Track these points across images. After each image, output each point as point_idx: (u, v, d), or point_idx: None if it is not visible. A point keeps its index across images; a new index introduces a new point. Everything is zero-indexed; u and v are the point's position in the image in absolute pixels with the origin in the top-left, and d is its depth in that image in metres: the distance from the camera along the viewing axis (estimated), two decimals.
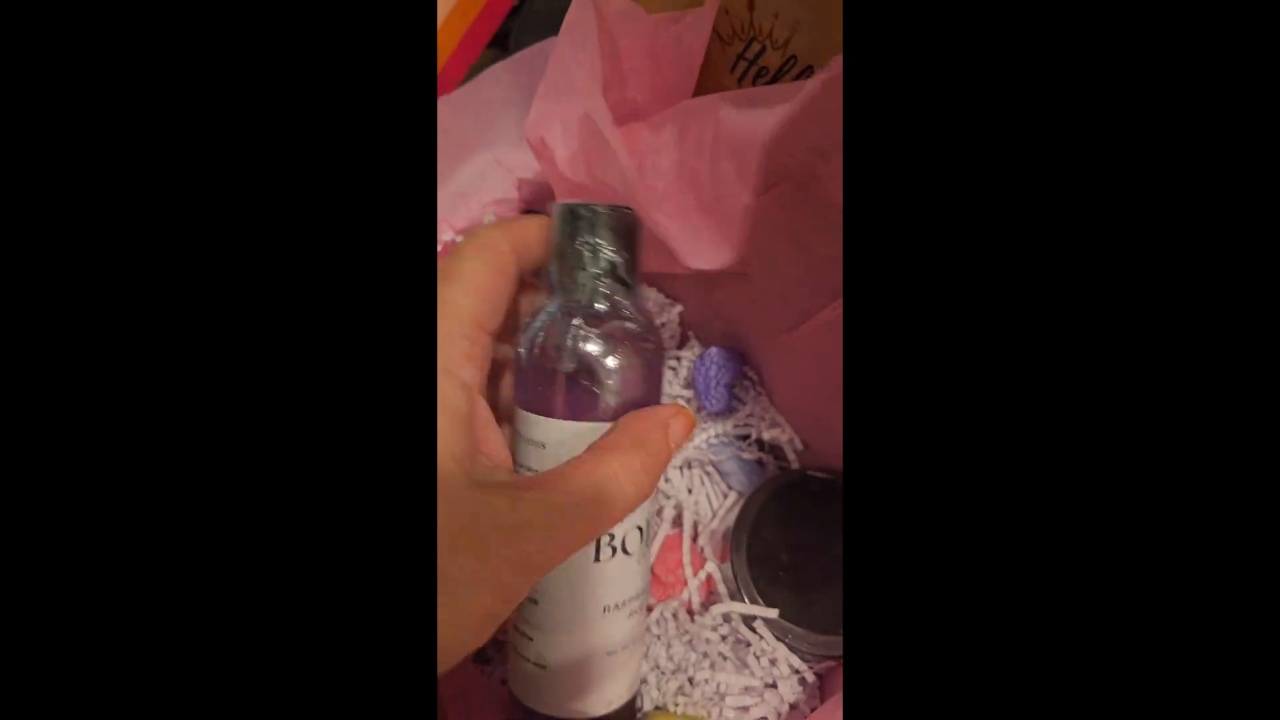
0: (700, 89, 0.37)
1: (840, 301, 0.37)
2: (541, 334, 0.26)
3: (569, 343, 0.26)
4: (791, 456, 0.46)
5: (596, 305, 0.26)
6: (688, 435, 0.25)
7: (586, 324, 0.26)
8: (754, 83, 0.37)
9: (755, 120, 0.25)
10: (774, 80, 0.37)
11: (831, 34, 0.34)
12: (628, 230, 0.26)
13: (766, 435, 0.46)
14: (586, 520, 0.21)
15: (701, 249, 0.22)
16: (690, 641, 0.39)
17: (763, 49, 0.36)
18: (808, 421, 0.46)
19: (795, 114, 0.25)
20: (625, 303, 0.27)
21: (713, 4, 0.32)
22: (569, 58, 0.27)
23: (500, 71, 0.33)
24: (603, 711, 0.30)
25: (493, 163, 0.36)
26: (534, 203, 0.40)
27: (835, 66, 0.25)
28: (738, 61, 0.37)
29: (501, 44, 0.45)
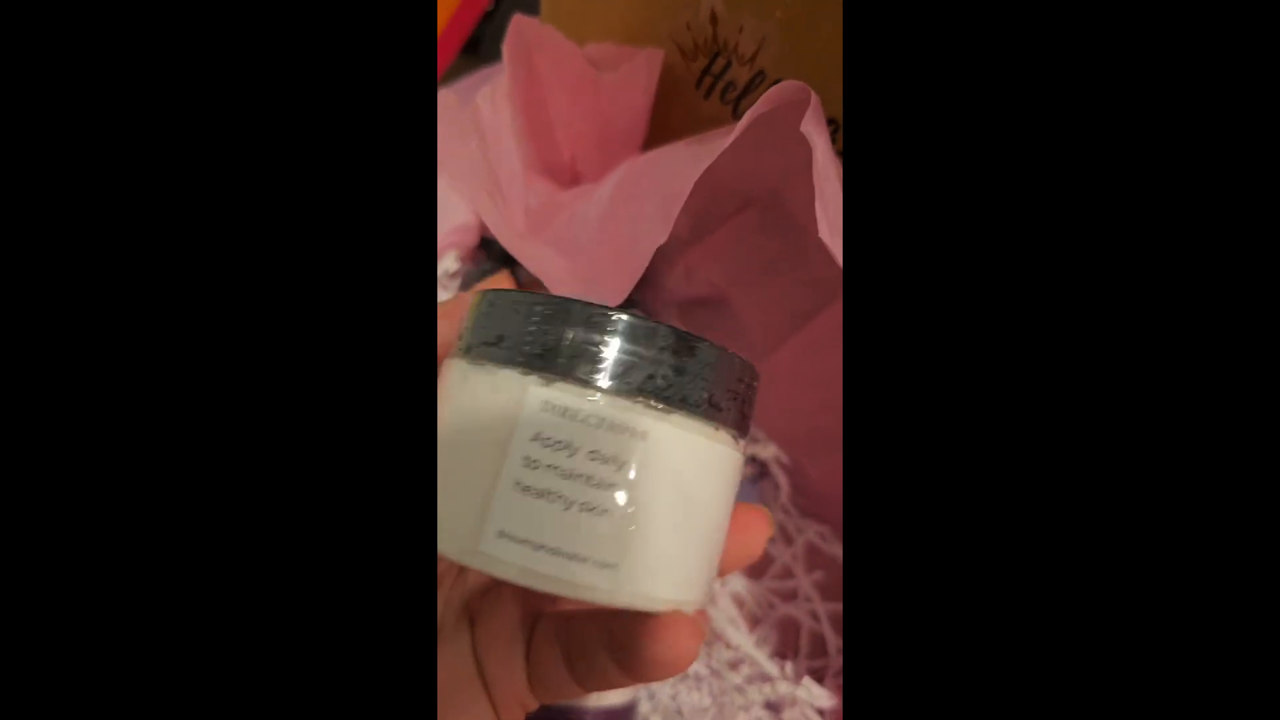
0: (664, 107, 0.36)
1: (813, 324, 0.36)
2: None
3: None
4: (777, 472, 0.46)
5: None
6: None
7: None
8: (721, 98, 0.35)
9: (685, 158, 0.24)
10: (743, 95, 0.35)
11: (800, 49, 0.32)
12: None
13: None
14: None
15: (587, 292, 0.21)
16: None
17: (728, 64, 0.34)
18: (791, 439, 0.45)
19: (730, 149, 0.23)
20: None
21: (655, 56, 0.31)
22: (488, 122, 0.27)
23: (452, 95, 0.32)
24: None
25: (450, 189, 0.35)
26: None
27: (768, 101, 0.23)
28: (703, 77, 0.35)
29: (473, 50, 0.44)
